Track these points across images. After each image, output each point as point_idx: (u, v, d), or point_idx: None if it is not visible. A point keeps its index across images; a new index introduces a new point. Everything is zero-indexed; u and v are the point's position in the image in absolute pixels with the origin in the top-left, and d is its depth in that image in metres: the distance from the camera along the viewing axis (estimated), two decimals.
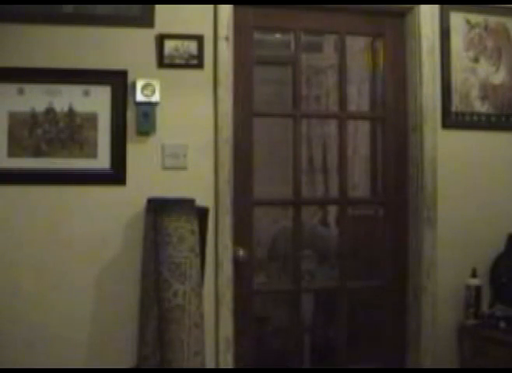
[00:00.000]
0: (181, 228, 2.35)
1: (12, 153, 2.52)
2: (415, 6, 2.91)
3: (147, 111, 2.59)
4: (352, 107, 3.64)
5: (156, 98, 2.58)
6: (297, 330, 3.03)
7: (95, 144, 2.58)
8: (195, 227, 2.39)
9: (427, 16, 2.91)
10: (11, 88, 2.52)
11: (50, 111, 2.55)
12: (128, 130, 2.60)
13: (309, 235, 4.22)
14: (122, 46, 2.61)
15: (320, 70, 4.79)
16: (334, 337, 3.20)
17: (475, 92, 2.98)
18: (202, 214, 2.49)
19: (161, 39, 2.62)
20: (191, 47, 2.65)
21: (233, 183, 2.70)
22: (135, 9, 2.61)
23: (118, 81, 2.58)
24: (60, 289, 2.53)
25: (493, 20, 3.01)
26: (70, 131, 2.56)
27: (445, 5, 2.94)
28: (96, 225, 2.57)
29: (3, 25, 2.51)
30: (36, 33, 2.54)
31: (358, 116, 3.58)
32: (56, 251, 2.53)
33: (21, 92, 2.53)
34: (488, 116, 3.00)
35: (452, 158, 2.94)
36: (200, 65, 2.67)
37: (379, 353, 3.03)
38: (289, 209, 3.24)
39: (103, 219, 2.57)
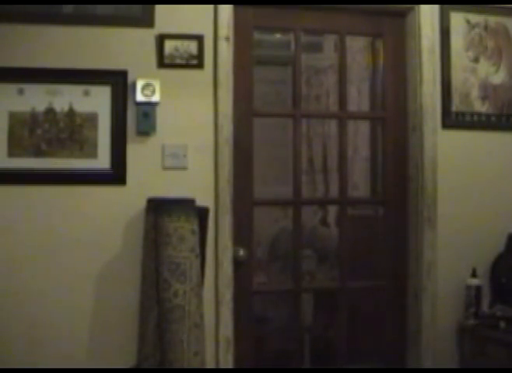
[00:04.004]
0: (181, 228, 2.35)
1: (12, 153, 2.52)
2: (415, 6, 2.91)
3: (147, 111, 2.59)
4: (352, 107, 3.64)
5: (156, 98, 2.58)
6: (297, 330, 3.03)
7: (95, 144, 2.58)
8: (195, 227, 2.39)
9: (427, 16, 2.91)
10: (11, 88, 2.52)
11: (50, 111, 2.55)
12: (128, 130, 2.60)
13: (309, 235, 4.23)
14: (122, 46, 2.61)
15: (320, 70, 4.80)
16: (334, 337, 3.20)
17: (475, 92, 2.98)
18: (202, 214, 2.49)
19: (161, 39, 2.63)
20: (191, 47, 2.65)
21: (233, 183, 2.70)
22: (135, 9, 2.61)
23: (118, 81, 2.58)
24: (60, 289, 2.53)
25: (493, 20, 3.01)
26: (70, 131, 2.56)
27: (445, 5, 2.94)
28: (96, 225, 2.57)
29: (3, 25, 2.51)
30: (36, 33, 2.54)
31: (358, 116, 3.58)
32: (56, 251, 2.53)
33: (21, 92, 2.53)
34: (488, 116, 3.00)
35: (452, 158, 2.94)
36: (200, 65, 2.67)
37: (379, 353, 3.03)
38: (289, 209, 3.24)
39: (103, 219, 2.57)
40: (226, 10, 2.69)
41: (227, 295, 2.66)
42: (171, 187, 2.60)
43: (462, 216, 2.95)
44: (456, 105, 2.95)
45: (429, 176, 2.90)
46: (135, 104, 2.59)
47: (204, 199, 2.56)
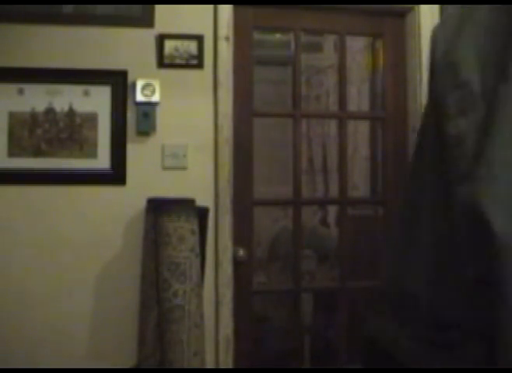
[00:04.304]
0: (181, 228, 2.36)
1: (12, 153, 2.52)
2: (415, 6, 2.91)
3: (147, 111, 2.59)
4: (352, 107, 3.64)
5: (156, 98, 2.59)
6: (297, 330, 3.03)
7: (95, 144, 2.58)
8: (195, 227, 2.40)
9: (427, 16, 2.91)
10: (11, 88, 2.52)
11: (50, 111, 2.55)
12: (128, 130, 2.60)
13: (309, 235, 4.23)
14: (122, 46, 2.61)
15: (320, 70, 4.80)
16: (334, 337, 3.20)
17: None
18: (202, 214, 2.49)
19: (161, 39, 2.63)
20: (191, 47, 2.65)
21: (233, 183, 2.70)
22: (135, 9, 2.61)
23: (118, 81, 2.58)
24: (60, 289, 2.53)
25: None
26: (70, 131, 2.56)
27: (445, 5, 2.93)
28: (96, 225, 2.57)
29: (3, 25, 2.51)
30: (36, 33, 2.54)
31: (358, 116, 3.58)
32: (56, 251, 2.53)
33: (21, 92, 2.53)
34: None
35: None
36: (200, 65, 2.67)
37: None
38: (289, 209, 3.24)
39: (103, 219, 2.57)
40: (225, 10, 2.69)
41: (227, 295, 2.66)
42: (171, 187, 2.60)
43: None
44: None
45: None
46: (135, 104, 2.59)
47: (204, 199, 2.56)
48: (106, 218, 2.58)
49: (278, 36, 4.50)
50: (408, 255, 0.64)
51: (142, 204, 2.55)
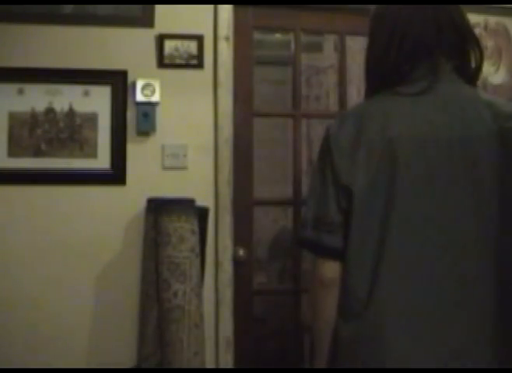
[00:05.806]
0: (181, 228, 2.36)
1: (12, 153, 2.52)
2: None
3: (147, 111, 2.59)
4: None
5: (156, 98, 2.59)
6: (297, 330, 3.02)
7: (95, 144, 2.58)
8: (195, 227, 2.40)
9: None
10: (11, 88, 2.52)
11: (50, 111, 2.55)
12: (128, 130, 2.60)
13: None
14: (122, 46, 2.61)
15: (320, 70, 4.79)
16: None
17: None
18: (202, 214, 2.49)
19: (161, 39, 2.63)
20: (191, 47, 2.65)
21: (233, 183, 2.71)
22: (135, 9, 2.61)
23: (118, 81, 2.58)
24: (59, 289, 2.53)
25: (493, 20, 3.01)
26: (70, 131, 2.56)
27: None
28: (96, 225, 2.57)
29: (3, 25, 2.52)
30: (36, 33, 2.54)
31: None
32: (56, 251, 2.53)
33: (21, 92, 2.53)
34: None
35: None
36: (200, 65, 2.67)
37: None
38: (289, 209, 3.24)
39: (103, 219, 2.57)
40: (226, 10, 2.69)
41: (227, 295, 2.66)
42: (171, 187, 2.60)
43: None
44: None
45: None
46: (135, 104, 2.59)
47: (204, 199, 2.56)
48: (106, 218, 2.58)
49: (278, 36, 4.49)
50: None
51: (142, 204, 2.55)
